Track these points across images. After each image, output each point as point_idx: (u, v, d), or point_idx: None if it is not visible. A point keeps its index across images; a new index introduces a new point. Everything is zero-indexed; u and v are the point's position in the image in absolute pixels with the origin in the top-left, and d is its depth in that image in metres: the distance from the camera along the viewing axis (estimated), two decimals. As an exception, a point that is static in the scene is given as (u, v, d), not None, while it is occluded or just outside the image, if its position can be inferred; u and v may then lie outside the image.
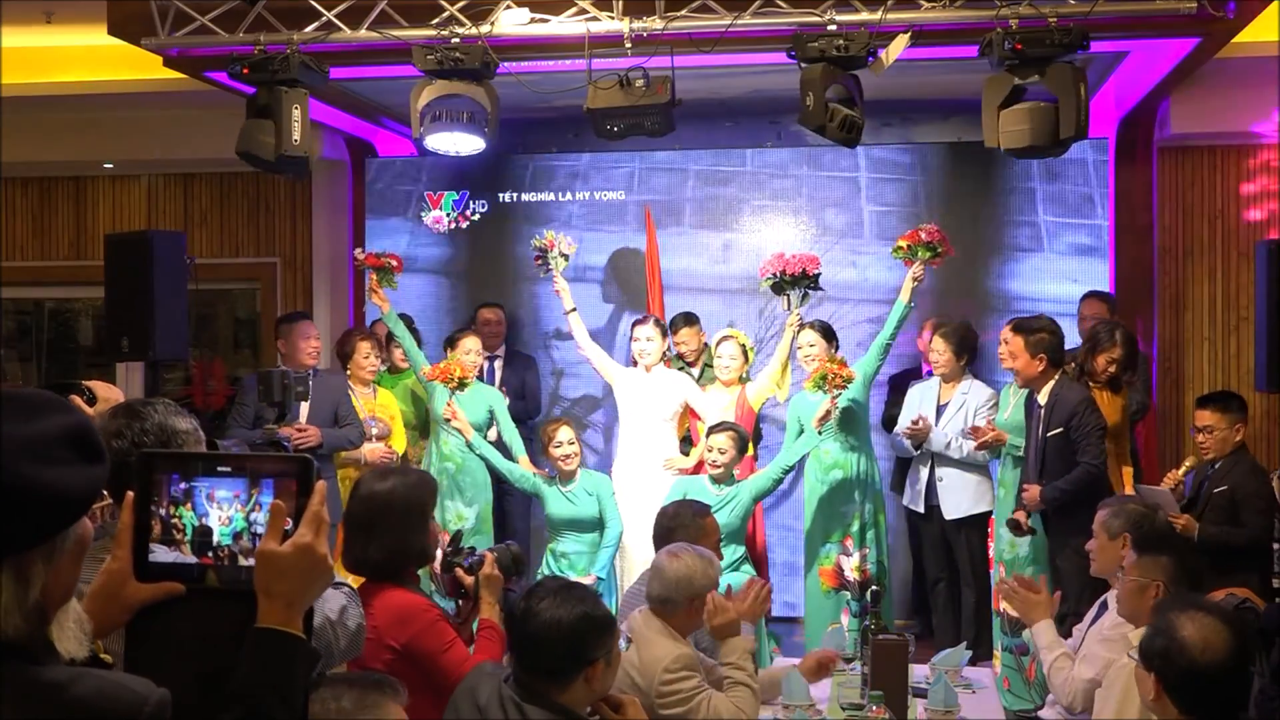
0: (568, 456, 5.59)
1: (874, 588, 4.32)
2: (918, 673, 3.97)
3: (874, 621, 3.99)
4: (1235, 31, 5.31)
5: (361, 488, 3.25)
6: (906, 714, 3.61)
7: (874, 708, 3.48)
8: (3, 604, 1.37)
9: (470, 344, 6.13)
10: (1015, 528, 5.23)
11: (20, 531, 1.38)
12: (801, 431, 5.73)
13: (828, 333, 5.87)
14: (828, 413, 5.47)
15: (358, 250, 6.48)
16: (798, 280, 5.87)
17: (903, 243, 5.78)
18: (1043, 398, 5.21)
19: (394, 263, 6.16)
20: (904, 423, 5.89)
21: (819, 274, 5.94)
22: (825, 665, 3.89)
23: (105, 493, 1.54)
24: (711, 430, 5.49)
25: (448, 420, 5.84)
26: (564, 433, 5.62)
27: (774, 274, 5.90)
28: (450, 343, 6.22)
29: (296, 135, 5.35)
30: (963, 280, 7.00)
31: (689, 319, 6.54)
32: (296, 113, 5.34)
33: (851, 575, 5.46)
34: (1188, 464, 5.41)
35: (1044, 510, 5.19)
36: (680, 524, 4.13)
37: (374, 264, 6.13)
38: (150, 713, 1.42)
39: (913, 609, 6.65)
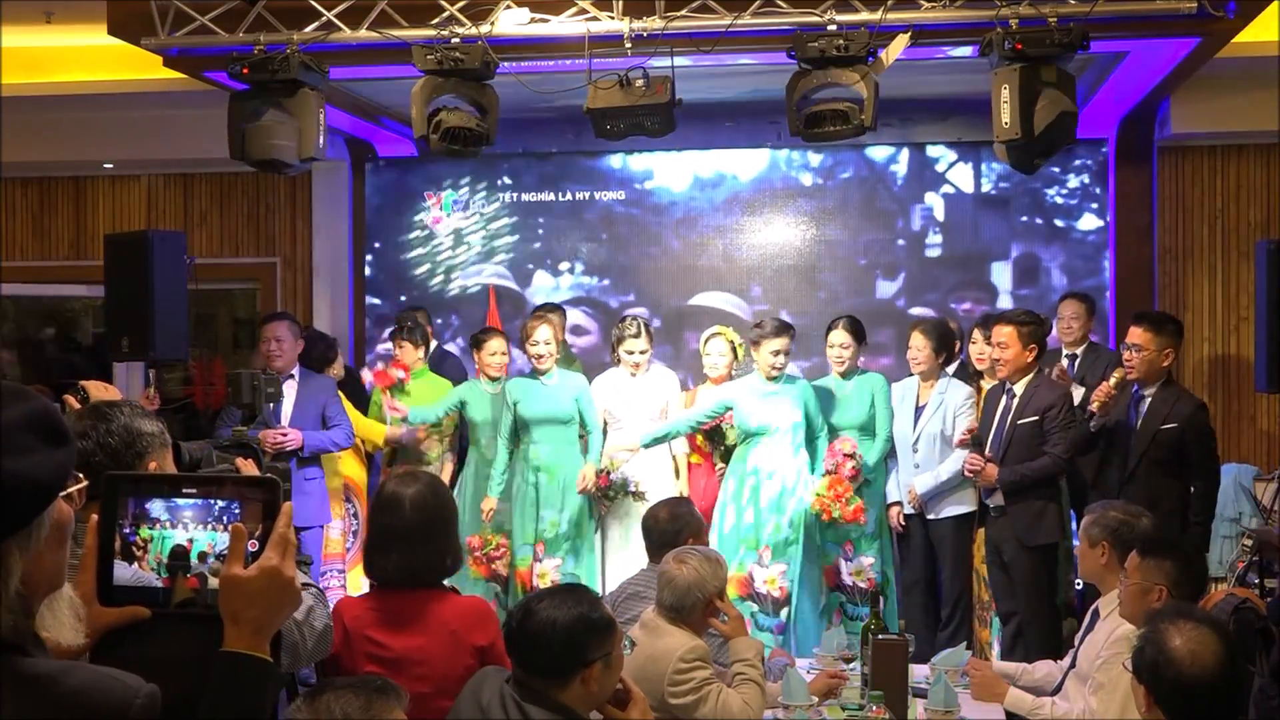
0: (541, 356, 5.81)
1: (873, 592, 4.30)
2: (918, 673, 3.97)
3: (874, 621, 3.99)
4: (1235, 31, 5.30)
5: (407, 498, 3.13)
6: (906, 714, 3.61)
7: (874, 708, 3.48)
8: None
9: (496, 345, 6.15)
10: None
11: None
12: (811, 432, 5.72)
13: (858, 333, 5.81)
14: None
15: (365, 372, 6.73)
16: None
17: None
18: (1020, 387, 5.20)
19: (402, 374, 6.32)
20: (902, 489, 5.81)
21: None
22: (833, 689, 3.88)
23: (80, 475, 1.52)
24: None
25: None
26: (542, 331, 5.82)
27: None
28: (476, 344, 6.23)
29: (320, 140, 5.39)
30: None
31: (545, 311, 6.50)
32: (321, 116, 5.39)
33: (848, 579, 5.43)
34: (1116, 377, 5.25)
35: (1001, 507, 5.18)
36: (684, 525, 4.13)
37: (386, 384, 6.30)
38: (142, 704, 1.41)
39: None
